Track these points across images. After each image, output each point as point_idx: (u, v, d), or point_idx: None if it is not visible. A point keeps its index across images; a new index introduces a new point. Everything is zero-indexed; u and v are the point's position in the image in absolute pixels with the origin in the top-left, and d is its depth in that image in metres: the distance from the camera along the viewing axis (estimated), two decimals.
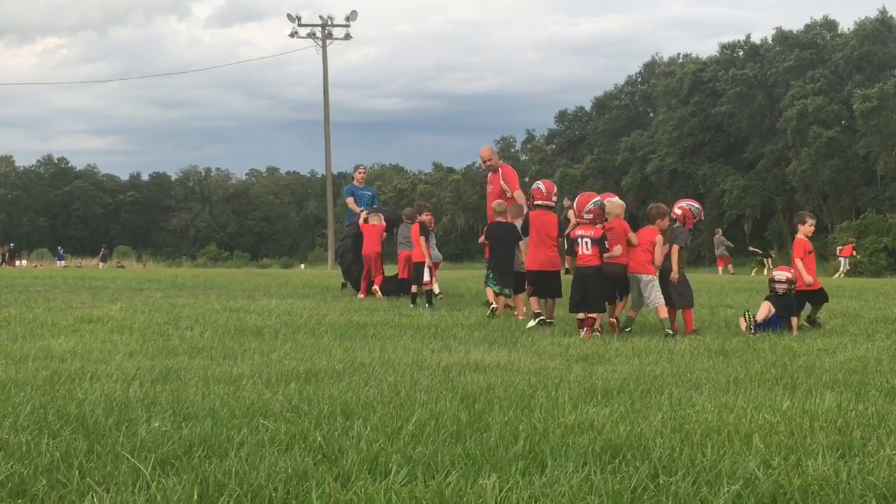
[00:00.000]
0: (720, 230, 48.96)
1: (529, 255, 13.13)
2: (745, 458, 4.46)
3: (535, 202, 13.42)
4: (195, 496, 3.72)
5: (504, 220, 13.99)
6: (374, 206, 18.39)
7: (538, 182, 13.70)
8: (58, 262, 69.88)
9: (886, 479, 4.09)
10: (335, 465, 4.26)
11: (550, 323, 12.46)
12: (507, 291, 13.91)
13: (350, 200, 18.52)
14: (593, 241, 11.48)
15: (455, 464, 4.30)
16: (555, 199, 13.50)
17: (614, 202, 12.16)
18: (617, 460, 4.42)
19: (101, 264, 67.68)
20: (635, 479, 4.07)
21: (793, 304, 11.79)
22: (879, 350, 9.57)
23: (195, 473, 4.03)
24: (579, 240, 11.63)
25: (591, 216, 11.69)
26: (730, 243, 46.03)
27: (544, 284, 12.92)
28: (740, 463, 4.37)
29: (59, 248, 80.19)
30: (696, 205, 12.52)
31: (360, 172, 19.08)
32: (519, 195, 14.73)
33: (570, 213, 23.45)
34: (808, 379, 7.34)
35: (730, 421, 5.39)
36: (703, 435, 4.98)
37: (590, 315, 11.39)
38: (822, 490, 3.96)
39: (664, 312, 11.46)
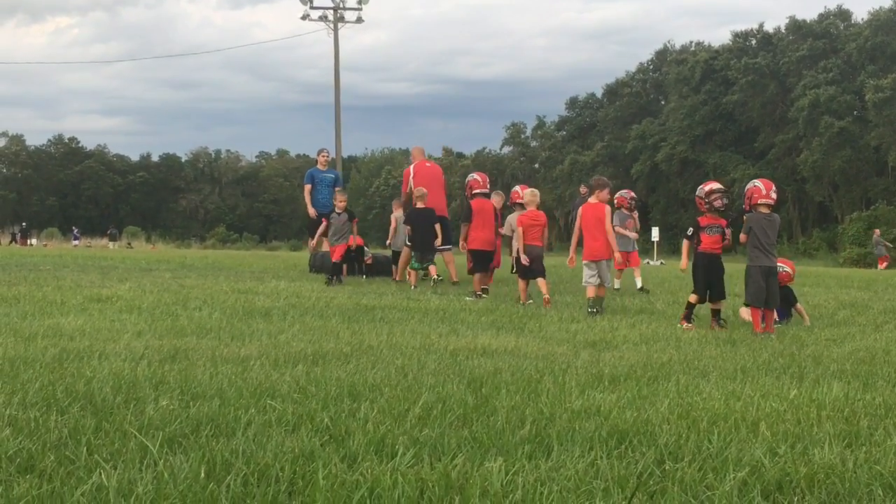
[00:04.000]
0: (878, 230, 48.62)
1: (471, 237, 14.87)
2: (751, 446, 4.46)
3: (474, 191, 15.26)
4: (202, 474, 3.74)
5: (423, 206, 16.06)
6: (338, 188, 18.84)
7: (473, 174, 15.84)
8: (73, 241, 70.26)
9: (893, 469, 4.09)
10: (342, 446, 4.27)
11: (485, 290, 14.33)
12: (426, 265, 16.03)
13: (307, 189, 18.96)
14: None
15: (461, 447, 4.31)
16: (489, 187, 15.56)
17: (535, 192, 14.10)
18: (623, 446, 4.42)
19: (110, 244, 68.13)
20: (641, 464, 4.08)
21: (788, 294, 11.67)
22: (888, 341, 9.56)
23: (202, 452, 4.05)
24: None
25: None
26: (888, 243, 45.97)
27: (483, 260, 14.78)
28: (746, 450, 4.37)
29: (73, 228, 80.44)
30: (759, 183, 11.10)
31: (323, 156, 19.61)
32: (405, 195, 17.16)
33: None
34: (815, 368, 7.34)
35: (737, 409, 5.39)
36: (710, 422, 4.98)
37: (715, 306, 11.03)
38: (828, 478, 3.96)
39: (603, 292, 12.56)
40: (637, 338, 9.37)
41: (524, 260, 13.27)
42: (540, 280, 13.39)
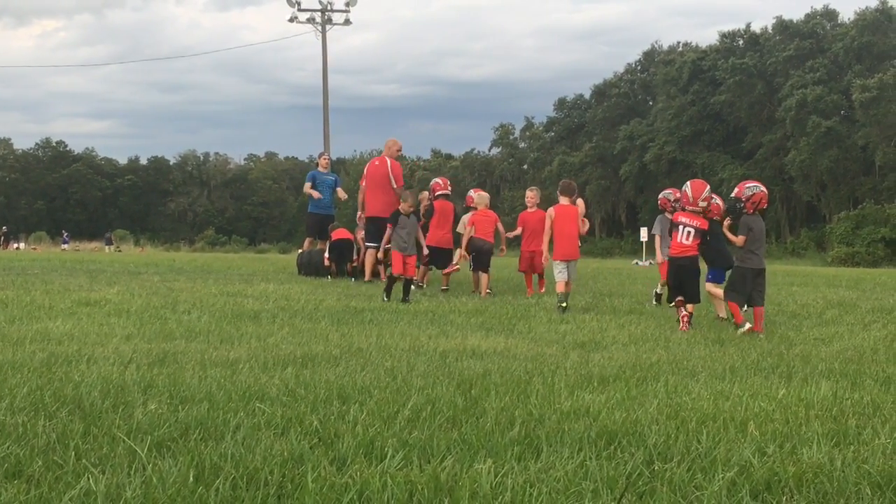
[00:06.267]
0: None
1: (430, 234, 15.95)
2: (740, 446, 4.47)
3: (436, 193, 16.51)
4: (191, 478, 3.72)
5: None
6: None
7: (436, 178, 17.24)
8: (62, 245, 70.19)
9: (881, 468, 4.10)
10: (331, 449, 4.26)
11: (446, 289, 15.61)
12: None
13: (307, 186, 19.76)
14: (697, 231, 10.78)
15: (451, 449, 4.31)
16: (450, 189, 16.72)
17: (482, 194, 16.08)
18: (612, 446, 4.42)
19: (107, 248, 68.31)
20: (630, 465, 4.08)
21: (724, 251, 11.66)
22: (875, 339, 9.59)
23: (191, 456, 4.04)
24: (680, 228, 10.85)
25: (705, 204, 10.90)
26: None
27: (438, 257, 16.09)
28: (735, 450, 4.38)
29: (63, 231, 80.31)
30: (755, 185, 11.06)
31: (324, 159, 20.59)
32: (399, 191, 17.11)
33: (579, 202, 24.00)
34: (804, 368, 7.35)
35: (725, 408, 5.40)
36: (699, 422, 4.99)
37: (687, 306, 10.76)
38: (816, 478, 3.96)
39: (569, 287, 13.11)
40: (626, 338, 9.38)
41: (463, 249, 15.40)
42: (483, 274, 15.14)
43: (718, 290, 11.55)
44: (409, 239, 13.87)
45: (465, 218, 16.11)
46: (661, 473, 3.97)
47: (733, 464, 4.13)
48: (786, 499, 3.76)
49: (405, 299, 13.03)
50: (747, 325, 10.24)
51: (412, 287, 13.95)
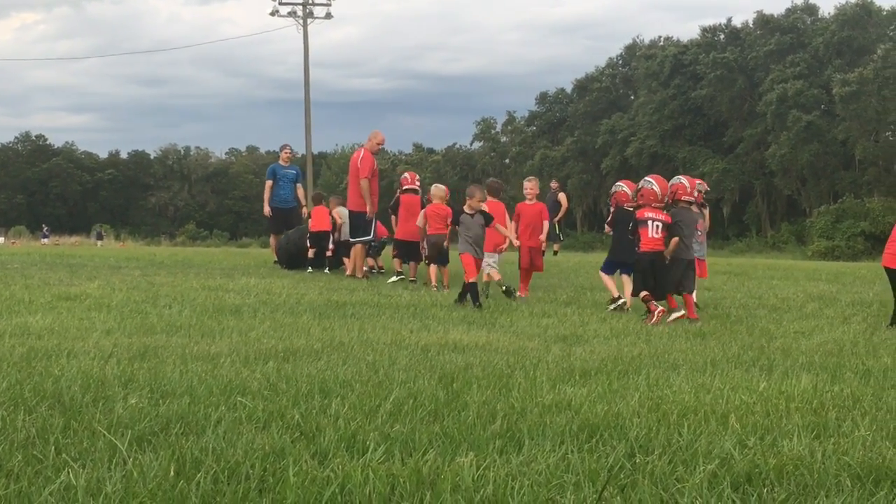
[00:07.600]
0: None
1: (399, 228, 16.56)
2: (721, 438, 4.49)
3: (403, 187, 16.75)
4: (172, 472, 3.71)
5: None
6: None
7: (405, 173, 17.41)
8: (42, 240, 69.74)
9: (860, 460, 4.12)
10: (313, 443, 4.25)
11: (413, 281, 15.78)
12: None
13: (268, 185, 19.67)
14: (664, 224, 10.99)
15: (432, 442, 4.31)
16: (418, 183, 16.97)
17: (438, 186, 15.69)
18: (594, 439, 4.43)
19: (97, 242, 68.09)
20: (612, 458, 4.09)
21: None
22: (855, 333, 9.65)
23: (172, 450, 4.02)
24: (650, 223, 10.98)
25: (668, 200, 11.21)
26: None
27: (408, 250, 16.26)
28: (716, 443, 4.40)
29: (43, 226, 79.86)
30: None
31: (285, 152, 20.33)
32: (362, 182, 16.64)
33: (561, 196, 24.06)
34: (784, 361, 7.39)
35: (706, 401, 5.42)
36: (680, 415, 5.01)
37: (655, 300, 10.92)
38: (796, 470, 3.98)
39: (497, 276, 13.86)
40: (608, 332, 9.40)
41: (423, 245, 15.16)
42: (442, 268, 15.10)
43: (609, 279, 12.61)
44: (477, 240, 12.77)
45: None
46: (643, 466, 3.98)
47: (714, 456, 4.15)
48: (766, 491, 3.77)
49: (476, 303, 11.95)
50: (681, 312, 10.78)
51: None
